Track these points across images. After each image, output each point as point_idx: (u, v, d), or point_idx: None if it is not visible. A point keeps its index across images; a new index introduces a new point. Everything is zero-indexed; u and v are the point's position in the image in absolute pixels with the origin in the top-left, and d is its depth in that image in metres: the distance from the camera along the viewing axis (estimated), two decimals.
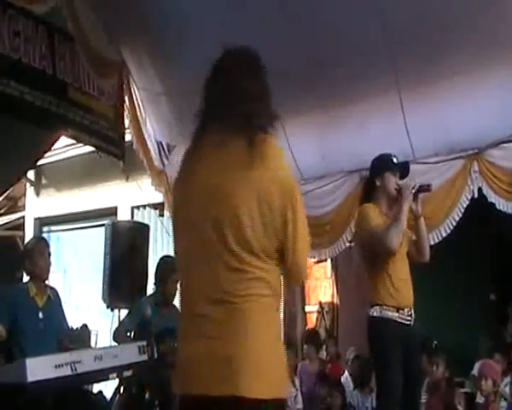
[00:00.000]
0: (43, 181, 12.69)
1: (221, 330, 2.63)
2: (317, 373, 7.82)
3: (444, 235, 6.23)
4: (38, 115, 6.46)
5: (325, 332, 9.85)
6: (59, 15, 6.25)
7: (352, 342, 8.53)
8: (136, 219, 10.89)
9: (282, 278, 2.84)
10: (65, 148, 10.84)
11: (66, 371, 4.46)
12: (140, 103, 7.64)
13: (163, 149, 8.15)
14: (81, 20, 6.37)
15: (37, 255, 5.69)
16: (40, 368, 4.31)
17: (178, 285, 2.96)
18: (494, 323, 8.69)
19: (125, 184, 9.94)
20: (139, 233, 8.04)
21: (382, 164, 5.01)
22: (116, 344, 6.29)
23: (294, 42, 6.03)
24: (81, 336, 5.74)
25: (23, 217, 13.12)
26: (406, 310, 4.75)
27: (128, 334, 6.39)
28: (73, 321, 6.18)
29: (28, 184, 12.86)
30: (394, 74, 6.03)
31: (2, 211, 13.49)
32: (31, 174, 12.40)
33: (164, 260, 6.78)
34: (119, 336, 6.38)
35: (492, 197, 5.97)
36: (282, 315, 8.38)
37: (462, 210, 6.17)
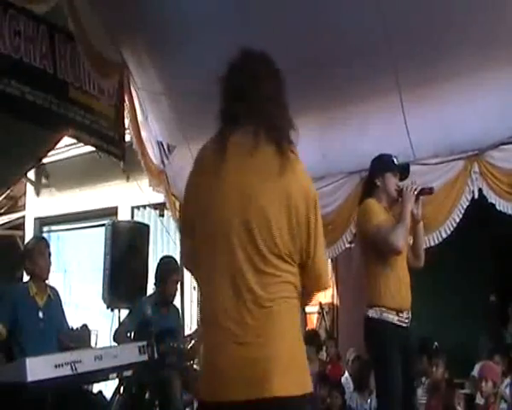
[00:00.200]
0: (44, 181, 12.68)
1: (253, 334, 2.66)
2: (317, 374, 7.80)
3: (444, 236, 6.22)
4: (39, 115, 6.48)
5: (325, 333, 9.85)
6: (60, 15, 6.26)
7: (352, 343, 8.52)
8: (136, 219, 10.90)
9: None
10: (65, 147, 10.84)
11: (66, 371, 4.47)
12: (140, 103, 7.64)
13: (163, 149, 8.16)
14: (82, 20, 6.38)
15: (37, 255, 5.69)
16: (40, 368, 4.31)
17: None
18: (494, 324, 8.69)
19: (125, 184, 9.92)
20: (139, 233, 8.04)
21: (383, 164, 4.99)
22: (116, 345, 6.29)
23: (295, 42, 6.03)
24: (81, 336, 5.74)
25: (23, 217, 13.12)
26: (405, 313, 4.73)
27: (128, 335, 6.39)
28: (73, 321, 6.19)
29: (28, 184, 12.85)
30: (395, 75, 6.03)
31: (3, 210, 13.48)
32: (31, 174, 12.39)
33: (164, 261, 6.78)
34: (119, 337, 6.38)
35: (493, 198, 5.96)
36: None
37: (463, 211, 6.16)
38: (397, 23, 5.71)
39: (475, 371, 6.79)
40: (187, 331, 7.89)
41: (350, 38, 5.93)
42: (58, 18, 6.45)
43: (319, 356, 8.50)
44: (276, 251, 2.72)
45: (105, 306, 7.73)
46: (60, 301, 5.91)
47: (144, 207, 10.78)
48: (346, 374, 8.16)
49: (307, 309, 10.31)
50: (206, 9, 6.21)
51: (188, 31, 6.43)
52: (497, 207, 5.93)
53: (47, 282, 5.83)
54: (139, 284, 7.66)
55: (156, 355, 5.68)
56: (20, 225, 13.11)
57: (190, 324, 9.19)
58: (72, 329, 5.88)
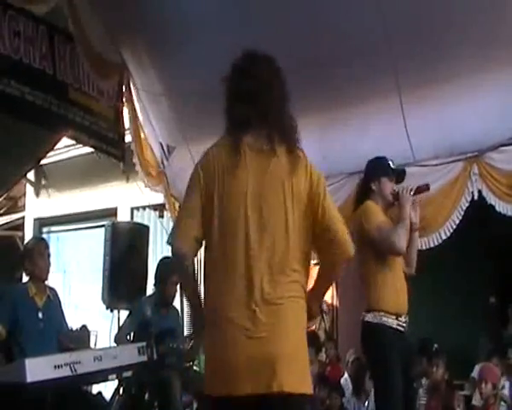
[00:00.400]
0: (43, 181, 12.68)
1: (263, 330, 2.78)
2: (317, 375, 7.80)
3: (444, 237, 6.21)
4: (39, 115, 6.48)
5: (325, 334, 9.83)
6: (59, 16, 6.27)
7: (351, 345, 8.52)
8: (135, 220, 10.90)
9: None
10: (65, 148, 10.84)
11: (66, 372, 4.46)
12: (140, 104, 7.63)
13: (163, 150, 8.15)
14: (82, 21, 6.38)
15: (36, 256, 5.69)
16: (40, 368, 4.31)
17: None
18: (494, 325, 8.69)
19: (125, 185, 9.91)
20: (139, 234, 8.04)
21: (379, 169, 4.91)
22: (116, 345, 6.29)
23: (295, 43, 6.02)
24: (81, 337, 5.74)
25: (23, 217, 13.11)
26: (403, 317, 4.70)
27: (128, 337, 6.38)
28: (73, 322, 6.18)
29: (28, 185, 12.85)
30: (394, 76, 6.03)
31: (2, 211, 13.48)
32: (31, 174, 12.38)
33: (164, 262, 6.77)
34: (120, 340, 6.37)
35: (492, 200, 5.96)
36: None
37: (462, 213, 6.16)
38: (397, 24, 5.71)
39: (475, 373, 6.79)
40: (186, 332, 7.89)
41: (350, 39, 5.93)
42: (58, 19, 6.45)
43: (318, 357, 8.50)
44: (290, 251, 2.89)
45: (104, 307, 7.73)
46: (59, 301, 5.91)
47: (144, 208, 10.79)
48: (346, 375, 8.16)
49: None
50: (206, 10, 6.22)
51: (188, 31, 6.43)
52: (497, 209, 5.93)
53: (46, 283, 5.83)
54: (139, 284, 7.65)
55: (156, 356, 5.67)
56: (19, 226, 13.11)
57: (190, 324, 9.18)
58: (71, 330, 5.88)
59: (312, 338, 8.41)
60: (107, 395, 6.10)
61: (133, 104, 7.55)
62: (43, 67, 6.52)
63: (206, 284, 3.01)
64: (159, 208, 9.45)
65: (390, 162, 4.94)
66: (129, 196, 10.31)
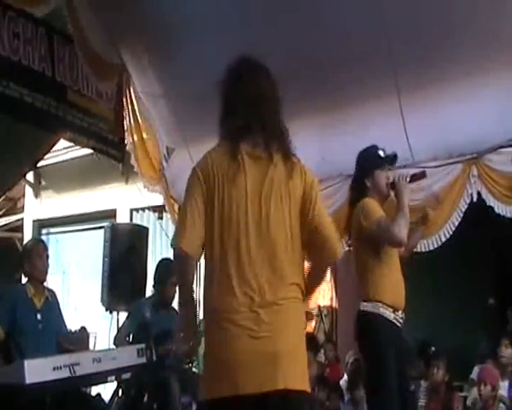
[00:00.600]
0: (43, 183, 12.67)
1: (266, 330, 2.86)
2: (316, 377, 7.79)
3: (443, 239, 6.21)
4: (38, 117, 6.49)
5: (324, 336, 9.83)
6: (59, 17, 6.27)
7: (351, 346, 8.48)
8: (135, 221, 10.89)
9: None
10: (64, 150, 10.84)
11: (65, 374, 4.45)
12: (140, 105, 7.62)
13: (162, 151, 8.15)
14: (81, 22, 6.38)
15: (35, 257, 5.68)
16: (38, 370, 4.30)
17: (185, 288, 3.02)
18: (493, 327, 8.68)
19: (124, 186, 9.90)
20: (138, 236, 8.04)
21: (370, 163, 4.84)
22: (115, 347, 6.28)
23: (294, 44, 6.04)
24: (80, 339, 5.74)
25: (22, 219, 13.11)
26: (400, 312, 4.68)
27: (127, 338, 6.38)
28: (72, 323, 6.18)
29: (27, 186, 12.84)
30: (394, 78, 6.03)
31: (1, 212, 13.47)
32: (30, 176, 12.38)
33: (163, 263, 6.76)
34: (119, 341, 6.36)
35: (491, 201, 5.96)
36: None
37: (462, 214, 6.15)
38: (396, 26, 5.71)
39: (474, 375, 6.78)
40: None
41: (349, 41, 5.94)
42: (57, 20, 6.46)
43: (317, 359, 8.49)
44: (290, 254, 2.99)
45: (104, 308, 7.73)
46: (57, 303, 5.90)
47: (143, 209, 10.77)
48: (346, 377, 8.14)
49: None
50: (205, 11, 6.22)
51: (188, 32, 6.43)
52: (496, 211, 5.92)
53: (45, 284, 5.82)
54: (138, 286, 7.65)
55: (155, 357, 5.67)
56: (18, 228, 13.10)
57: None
58: (70, 331, 5.88)
59: (310, 340, 8.42)
60: (107, 396, 6.09)
61: (133, 105, 7.54)
62: (43, 69, 6.53)
63: (206, 285, 3.03)
64: (158, 210, 9.44)
65: (380, 151, 4.86)
66: (128, 198, 10.30)
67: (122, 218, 11.14)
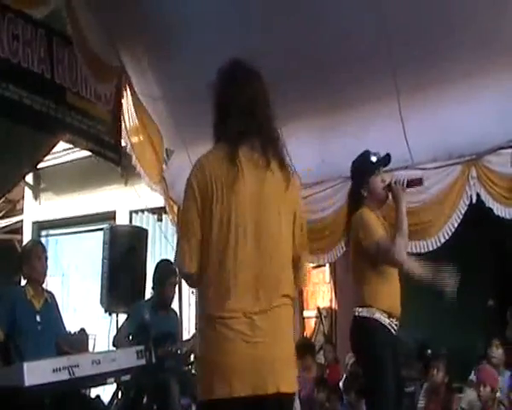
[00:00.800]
0: (42, 185, 12.69)
1: (261, 335, 2.91)
2: (316, 378, 7.79)
3: (442, 241, 6.20)
4: (37, 119, 6.49)
5: (323, 337, 9.83)
6: (58, 19, 6.27)
7: (350, 348, 8.50)
8: (134, 223, 10.91)
9: None
10: (64, 152, 10.87)
11: (64, 376, 4.45)
12: (140, 107, 7.63)
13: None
14: (80, 24, 6.39)
15: (34, 259, 5.68)
16: (38, 372, 4.30)
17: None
18: (493, 328, 8.68)
19: (123, 188, 9.93)
20: (137, 237, 8.05)
21: (362, 171, 4.84)
22: (114, 349, 6.28)
23: (294, 46, 6.04)
24: (79, 341, 5.74)
25: (21, 220, 13.12)
26: (395, 319, 4.69)
27: (127, 339, 6.37)
28: (71, 325, 6.19)
29: (27, 188, 12.85)
30: (393, 79, 6.03)
31: (1, 214, 13.50)
32: (29, 178, 12.40)
33: (162, 264, 6.77)
34: (118, 342, 6.36)
35: (490, 203, 5.94)
36: None
37: (461, 216, 6.14)
38: (396, 27, 5.71)
39: (472, 376, 6.78)
40: (185, 335, 7.89)
41: (349, 42, 5.94)
42: (56, 22, 6.46)
43: (316, 360, 8.50)
44: (284, 261, 3.06)
45: (103, 310, 7.73)
46: (56, 304, 5.90)
47: (142, 211, 10.78)
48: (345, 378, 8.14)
49: (305, 314, 10.31)
50: (205, 13, 6.22)
51: (187, 34, 6.43)
52: (495, 212, 5.91)
53: (44, 285, 5.82)
54: (137, 287, 7.66)
55: (154, 359, 5.68)
56: (18, 229, 13.11)
57: (189, 327, 9.18)
58: (70, 333, 5.88)
59: (307, 346, 8.43)
60: (106, 398, 6.10)
61: (134, 106, 7.54)
62: (42, 71, 6.53)
63: (202, 289, 3.04)
64: (157, 212, 9.45)
65: (372, 157, 4.83)
66: (127, 200, 10.32)
67: (121, 220, 11.15)
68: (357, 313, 4.67)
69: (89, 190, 11.48)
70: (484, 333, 7.98)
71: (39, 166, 10.36)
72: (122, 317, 7.20)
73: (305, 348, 8.18)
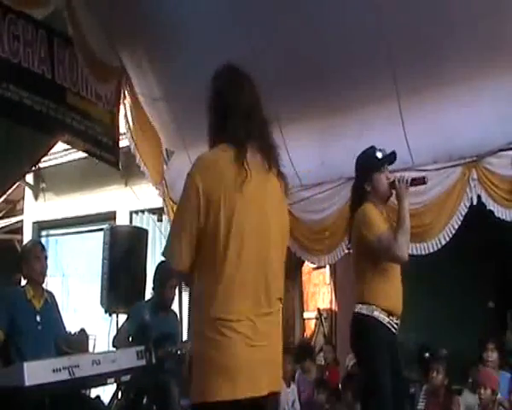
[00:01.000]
0: (42, 185, 12.69)
1: (260, 339, 2.98)
2: (316, 380, 7.80)
3: (443, 242, 6.19)
4: (36, 120, 6.48)
5: (323, 338, 9.84)
6: (59, 19, 6.27)
7: (350, 349, 8.50)
8: (134, 223, 10.91)
9: None
10: (64, 152, 10.87)
11: (64, 376, 4.46)
12: (141, 108, 7.64)
13: (162, 154, 8.16)
14: (81, 24, 6.40)
15: (33, 259, 5.67)
16: (38, 372, 4.30)
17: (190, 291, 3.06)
18: (493, 330, 8.68)
19: (123, 188, 9.95)
20: (137, 238, 8.05)
21: (368, 166, 4.84)
22: (114, 349, 6.28)
23: (294, 48, 6.04)
24: (79, 341, 5.73)
25: (21, 221, 13.12)
26: (395, 318, 4.68)
27: (128, 339, 6.37)
28: (72, 325, 6.18)
29: (27, 188, 12.86)
30: (393, 81, 6.03)
31: (1, 214, 13.50)
32: (30, 178, 12.42)
33: (162, 265, 6.76)
34: (118, 343, 6.36)
35: (491, 205, 5.94)
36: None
37: (461, 218, 6.14)
38: (396, 29, 5.72)
39: (470, 380, 6.78)
40: (185, 336, 7.88)
41: (349, 44, 5.94)
42: (57, 22, 6.46)
43: (316, 361, 8.51)
44: (278, 265, 3.14)
45: (103, 310, 7.73)
46: (56, 304, 5.90)
47: (143, 211, 10.79)
48: None
49: (305, 315, 10.31)
50: (205, 13, 6.23)
51: (187, 35, 6.44)
52: (496, 214, 5.91)
53: (44, 285, 5.82)
54: (137, 288, 7.66)
55: (154, 360, 5.67)
56: (18, 229, 13.12)
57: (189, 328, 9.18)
58: (70, 333, 5.87)
59: (306, 349, 8.44)
60: (106, 398, 6.10)
61: (134, 107, 7.54)
62: (42, 71, 6.54)
63: (205, 290, 3.01)
64: (157, 212, 9.45)
65: (377, 152, 4.85)
66: (127, 200, 10.32)
67: (122, 220, 11.16)
68: (356, 310, 4.69)
69: (89, 190, 11.49)
70: (484, 335, 7.99)
71: (39, 166, 10.36)
72: (122, 317, 7.20)
73: (304, 352, 8.20)
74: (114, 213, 11.36)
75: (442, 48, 5.69)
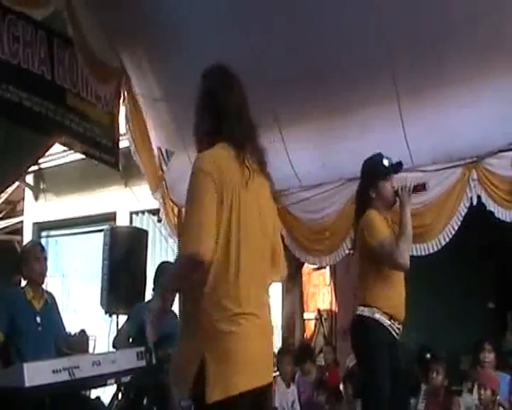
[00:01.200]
0: (42, 186, 12.69)
1: (265, 331, 3.12)
2: (315, 381, 7.79)
3: (443, 243, 6.20)
4: (36, 121, 6.47)
5: (323, 339, 9.83)
6: (58, 20, 6.27)
7: (350, 350, 8.47)
8: (134, 224, 10.91)
9: None
10: (64, 153, 10.85)
11: (65, 377, 4.45)
12: (141, 108, 7.63)
13: (162, 154, 8.14)
14: (81, 25, 6.39)
15: (33, 260, 5.67)
16: (38, 373, 4.30)
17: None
18: (493, 331, 8.67)
19: (123, 189, 9.94)
20: (137, 239, 8.04)
21: (374, 173, 4.91)
22: (114, 350, 6.27)
23: (293, 50, 6.04)
24: (79, 342, 5.73)
25: (21, 221, 13.12)
26: (397, 323, 4.69)
27: (128, 340, 6.36)
28: (72, 326, 6.17)
29: (27, 189, 12.86)
30: (393, 82, 6.03)
31: (1, 215, 13.50)
32: (30, 179, 12.41)
33: (163, 266, 6.76)
34: (119, 343, 6.35)
35: (491, 206, 5.94)
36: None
37: (461, 218, 6.14)
38: (396, 30, 5.72)
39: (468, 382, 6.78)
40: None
41: (349, 46, 5.94)
42: (57, 23, 6.46)
43: (316, 362, 8.50)
44: (269, 263, 3.23)
45: (103, 311, 7.72)
46: (56, 305, 5.89)
47: (143, 212, 10.79)
48: None
49: (306, 316, 10.30)
50: (205, 13, 6.23)
51: (187, 36, 6.44)
52: (496, 215, 5.91)
53: (44, 286, 5.81)
54: (137, 289, 7.65)
55: (154, 361, 5.66)
56: (18, 230, 13.12)
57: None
58: (70, 334, 5.87)
59: (306, 351, 8.44)
60: (106, 399, 6.09)
61: (134, 108, 7.54)
62: (42, 72, 6.53)
63: (216, 285, 2.97)
64: (157, 213, 9.44)
65: (384, 160, 4.91)
66: (128, 201, 10.32)
67: (122, 221, 11.16)
68: (358, 312, 4.72)
69: (89, 191, 11.49)
70: (484, 336, 7.99)
71: (40, 167, 10.36)
72: (122, 318, 7.19)
73: (304, 354, 8.19)
74: (114, 213, 11.36)
75: (442, 48, 5.69)
